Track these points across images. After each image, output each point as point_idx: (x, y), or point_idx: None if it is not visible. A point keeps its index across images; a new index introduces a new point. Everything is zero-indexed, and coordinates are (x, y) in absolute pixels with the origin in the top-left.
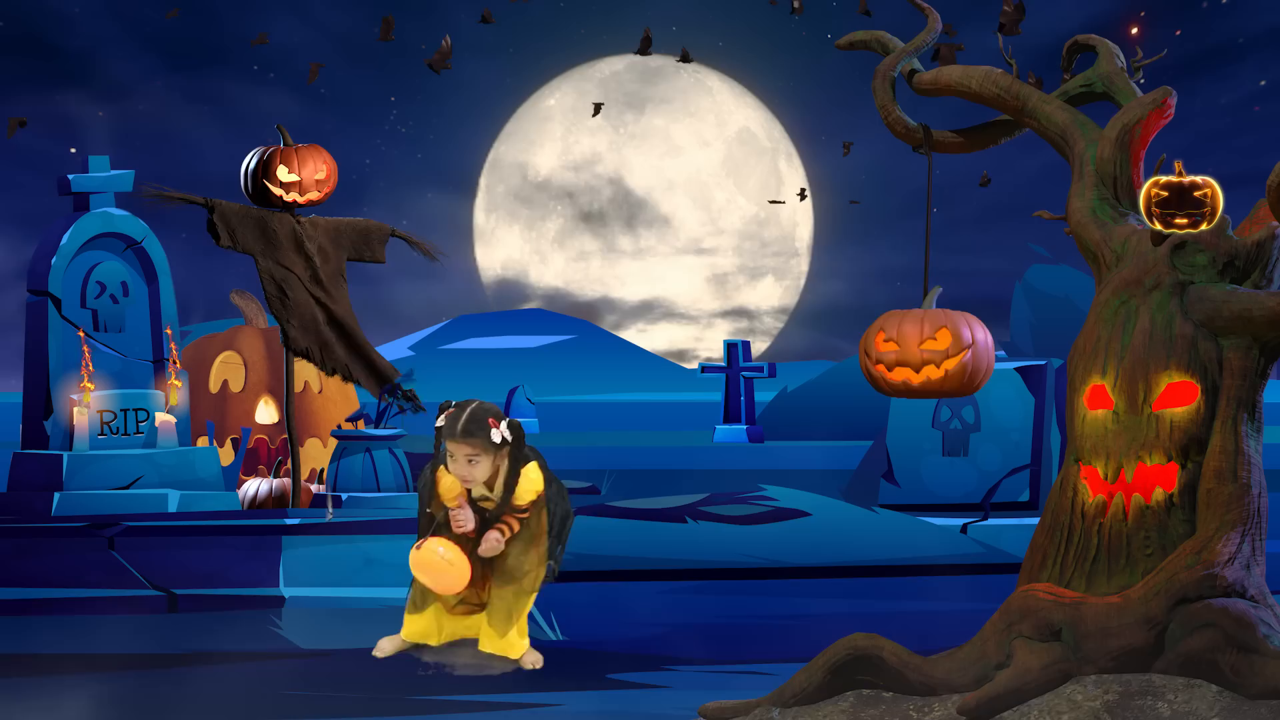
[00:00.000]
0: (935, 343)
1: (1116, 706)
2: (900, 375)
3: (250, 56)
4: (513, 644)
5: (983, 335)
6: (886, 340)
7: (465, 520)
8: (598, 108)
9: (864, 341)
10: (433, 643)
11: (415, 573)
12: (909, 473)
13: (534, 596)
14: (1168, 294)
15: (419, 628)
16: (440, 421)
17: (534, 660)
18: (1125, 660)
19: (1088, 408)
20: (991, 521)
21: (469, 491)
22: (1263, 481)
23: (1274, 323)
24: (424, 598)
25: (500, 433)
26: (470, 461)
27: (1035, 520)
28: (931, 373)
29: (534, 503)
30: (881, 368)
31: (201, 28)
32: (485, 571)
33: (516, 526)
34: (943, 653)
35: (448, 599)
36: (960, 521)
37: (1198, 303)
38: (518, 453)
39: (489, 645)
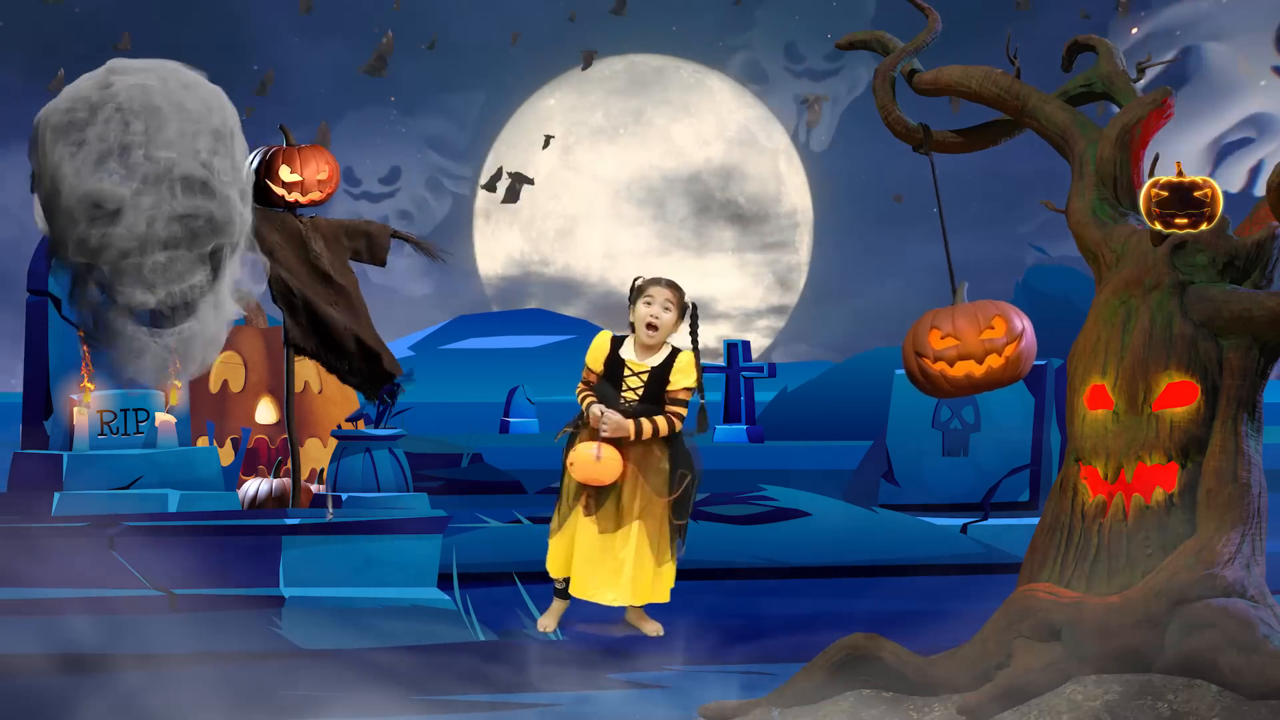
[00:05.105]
0: (993, 331)
1: (1116, 706)
2: (963, 369)
3: (251, 57)
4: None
5: (1027, 322)
6: (944, 337)
7: (605, 424)
8: (547, 140)
9: (913, 344)
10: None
11: (574, 473)
12: (909, 473)
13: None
14: (1168, 294)
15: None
16: (641, 279)
17: (656, 629)
18: (1125, 660)
19: (1088, 408)
20: (991, 521)
21: (622, 362)
22: (1263, 481)
23: (1274, 323)
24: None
25: (690, 300)
26: (665, 307)
27: (1035, 520)
28: (993, 362)
29: (683, 401)
30: (942, 365)
31: (201, 27)
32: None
33: (664, 427)
34: (943, 653)
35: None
36: (960, 521)
37: (1198, 303)
38: (692, 332)
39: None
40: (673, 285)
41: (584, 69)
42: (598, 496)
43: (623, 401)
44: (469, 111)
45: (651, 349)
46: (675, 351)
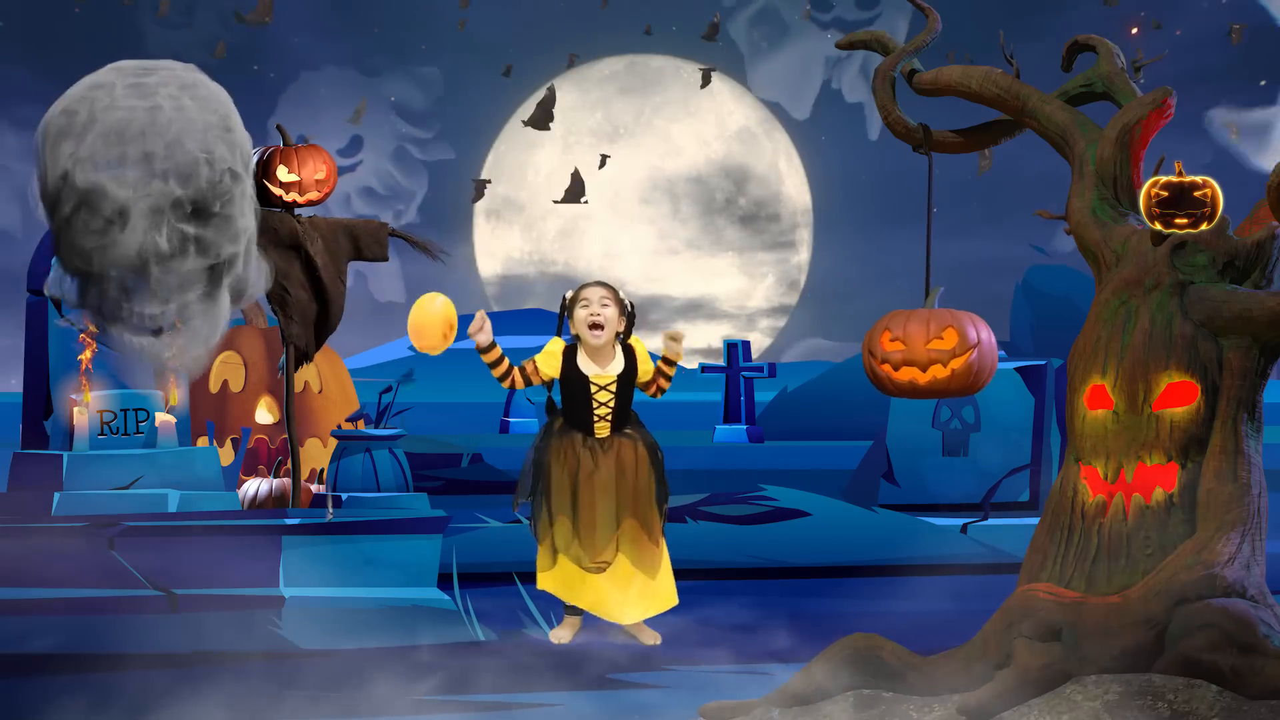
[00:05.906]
0: (942, 342)
1: (1116, 706)
2: (907, 375)
3: (250, 57)
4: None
5: (987, 335)
6: (893, 340)
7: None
8: (604, 159)
9: (868, 341)
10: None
11: (417, 325)
12: (909, 473)
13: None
14: (1168, 294)
15: (554, 584)
16: (570, 292)
17: (654, 638)
18: (1125, 660)
19: (1088, 408)
20: (991, 521)
21: (586, 379)
22: (1263, 481)
23: (1274, 323)
24: (552, 558)
25: (627, 296)
26: (603, 304)
27: (1035, 520)
28: (938, 372)
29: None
30: (887, 367)
31: (201, 27)
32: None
33: (664, 382)
34: (943, 653)
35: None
36: (960, 521)
37: (1198, 303)
38: (629, 329)
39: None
40: (603, 284)
41: (703, 86)
42: (602, 553)
43: (596, 419)
44: (468, 112)
45: (605, 354)
46: (630, 349)
